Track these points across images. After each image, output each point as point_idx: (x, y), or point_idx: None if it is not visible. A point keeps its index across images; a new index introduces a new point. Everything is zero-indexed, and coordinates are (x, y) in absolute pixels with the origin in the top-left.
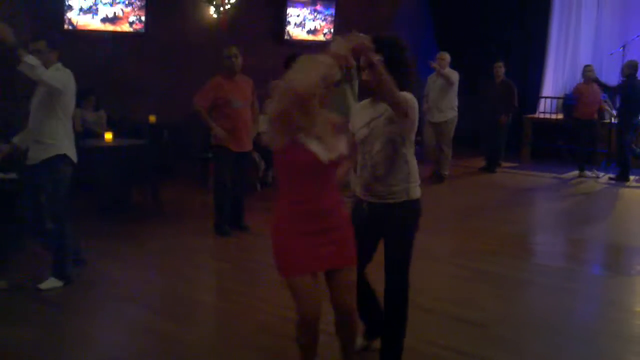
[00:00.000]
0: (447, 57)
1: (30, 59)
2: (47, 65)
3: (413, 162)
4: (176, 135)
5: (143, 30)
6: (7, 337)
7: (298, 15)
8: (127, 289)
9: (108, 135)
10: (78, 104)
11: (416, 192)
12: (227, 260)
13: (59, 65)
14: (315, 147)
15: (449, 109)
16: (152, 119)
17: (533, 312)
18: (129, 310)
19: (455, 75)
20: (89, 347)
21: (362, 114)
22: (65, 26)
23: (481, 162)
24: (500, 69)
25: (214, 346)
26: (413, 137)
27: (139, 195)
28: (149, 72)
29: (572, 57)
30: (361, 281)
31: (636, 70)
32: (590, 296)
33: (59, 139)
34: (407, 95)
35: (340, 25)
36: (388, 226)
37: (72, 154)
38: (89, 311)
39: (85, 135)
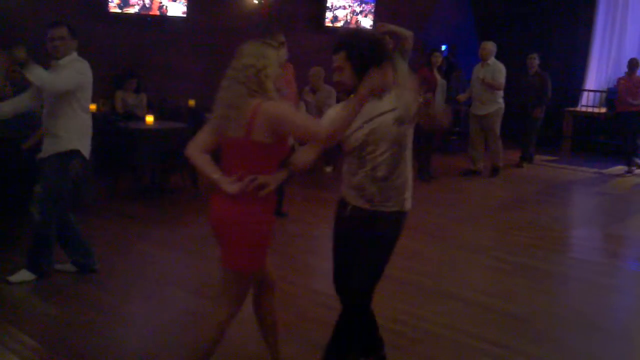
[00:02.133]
0: (488, 46)
1: (34, 74)
2: (67, 52)
3: (410, 167)
4: None
5: (185, 15)
6: (52, 315)
7: (345, 7)
8: (166, 271)
9: (149, 118)
10: (120, 86)
11: (409, 203)
12: None
13: (78, 56)
14: None
15: (492, 102)
16: (192, 103)
17: (573, 308)
18: (168, 291)
19: (500, 79)
20: (129, 325)
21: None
22: (110, 9)
23: (514, 155)
24: (534, 60)
25: (253, 330)
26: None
27: (178, 179)
28: (189, 57)
29: (617, 50)
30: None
31: None
32: (629, 292)
33: (72, 132)
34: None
35: (381, 13)
36: (368, 235)
37: (85, 150)
38: (129, 292)
39: (126, 117)
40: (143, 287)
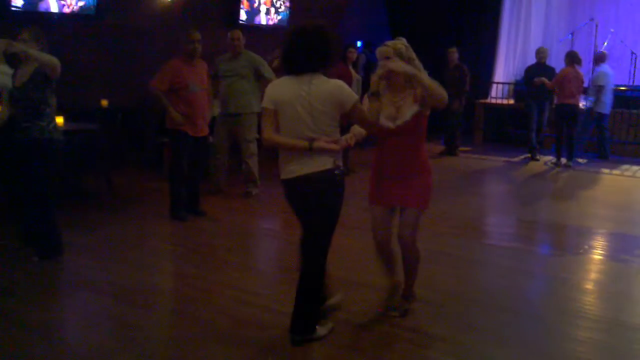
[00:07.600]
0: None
1: None
2: None
3: None
4: (129, 120)
5: (93, 13)
6: None
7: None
8: (82, 277)
9: (59, 120)
10: None
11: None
12: (184, 245)
13: None
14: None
15: None
16: (104, 103)
17: (487, 292)
18: (85, 297)
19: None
20: (46, 335)
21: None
22: (12, 7)
23: (438, 147)
24: (454, 54)
25: (174, 331)
26: None
27: (92, 181)
28: (100, 56)
29: (523, 43)
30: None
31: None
32: (539, 275)
33: None
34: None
35: (296, 8)
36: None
37: None
38: (44, 299)
39: None
40: (57, 293)
